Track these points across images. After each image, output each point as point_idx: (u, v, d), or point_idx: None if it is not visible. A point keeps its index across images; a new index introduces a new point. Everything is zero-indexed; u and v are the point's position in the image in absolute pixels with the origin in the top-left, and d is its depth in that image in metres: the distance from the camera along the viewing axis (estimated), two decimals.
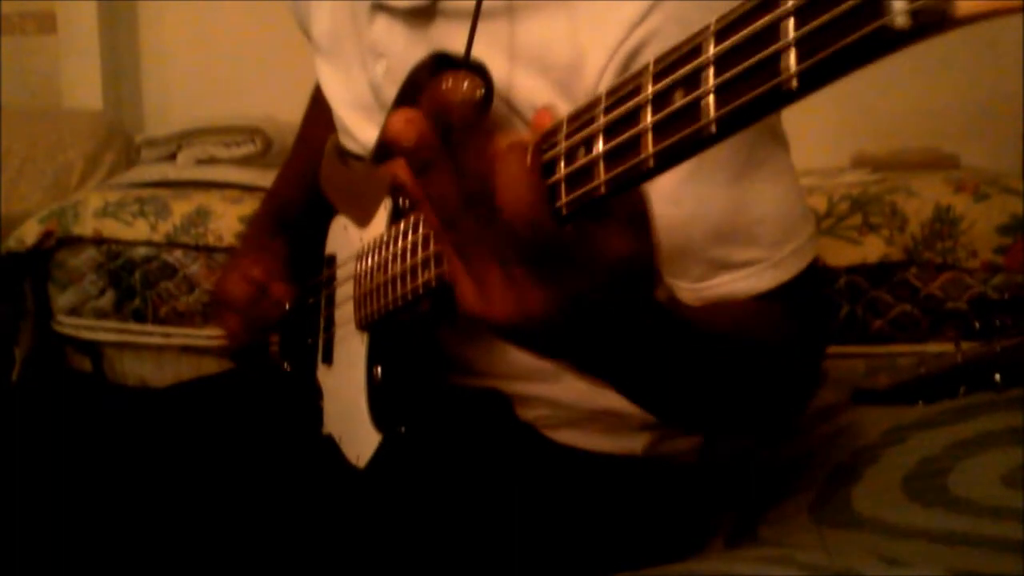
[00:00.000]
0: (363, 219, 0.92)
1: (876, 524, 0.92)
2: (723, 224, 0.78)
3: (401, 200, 0.86)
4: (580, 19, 0.78)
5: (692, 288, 0.80)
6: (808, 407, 0.92)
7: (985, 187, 1.67)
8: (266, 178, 1.98)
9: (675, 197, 0.69)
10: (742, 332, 0.76)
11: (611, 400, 0.91)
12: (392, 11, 0.92)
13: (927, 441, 1.05)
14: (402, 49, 0.91)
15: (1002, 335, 1.07)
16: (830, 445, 1.13)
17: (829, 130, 2.07)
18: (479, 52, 0.80)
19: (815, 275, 0.82)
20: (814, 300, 0.86)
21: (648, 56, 0.49)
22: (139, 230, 1.99)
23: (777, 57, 0.39)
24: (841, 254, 1.66)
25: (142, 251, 1.99)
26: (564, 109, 0.54)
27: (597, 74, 0.76)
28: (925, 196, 1.67)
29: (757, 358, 0.75)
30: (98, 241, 2.00)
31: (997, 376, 1.02)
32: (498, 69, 0.80)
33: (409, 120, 0.53)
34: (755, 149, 0.79)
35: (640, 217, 0.55)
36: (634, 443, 0.94)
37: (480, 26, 0.83)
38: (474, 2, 0.83)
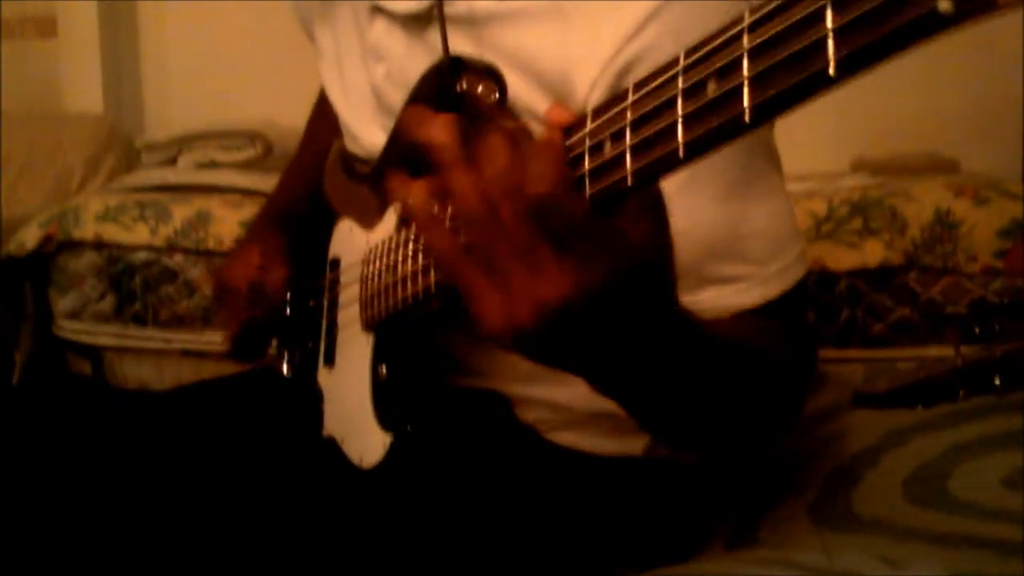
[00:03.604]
0: (369, 222, 0.92)
1: (876, 526, 0.92)
2: (712, 239, 0.79)
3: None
4: (572, 29, 0.78)
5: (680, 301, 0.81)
6: (791, 427, 0.92)
7: (985, 191, 1.67)
8: (267, 182, 1.98)
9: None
10: (735, 340, 0.76)
11: (611, 403, 0.91)
12: (391, 14, 0.92)
13: (927, 444, 1.05)
14: (402, 52, 0.91)
15: (1002, 339, 1.07)
16: (830, 448, 1.13)
17: (829, 134, 2.07)
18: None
19: (803, 293, 0.83)
20: (801, 318, 0.86)
21: (642, 71, 0.50)
22: (139, 234, 1.98)
23: (816, 46, 0.40)
24: (841, 258, 1.65)
25: (142, 255, 1.98)
26: None
27: (588, 85, 0.77)
28: (925, 200, 1.67)
29: (748, 372, 0.75)
30: (98, 245, 1.99)
31: (997, 380, 1.02)
32: None
33: (428, 118, 0.54)
34: (748, 167, 0.79)
35: (657, 207, 0.56)
36: (634, 445, 0.95)
37: (476, 32, 0.84)
38: (475, 3, 0.83)
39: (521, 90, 0.81)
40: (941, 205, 1.66)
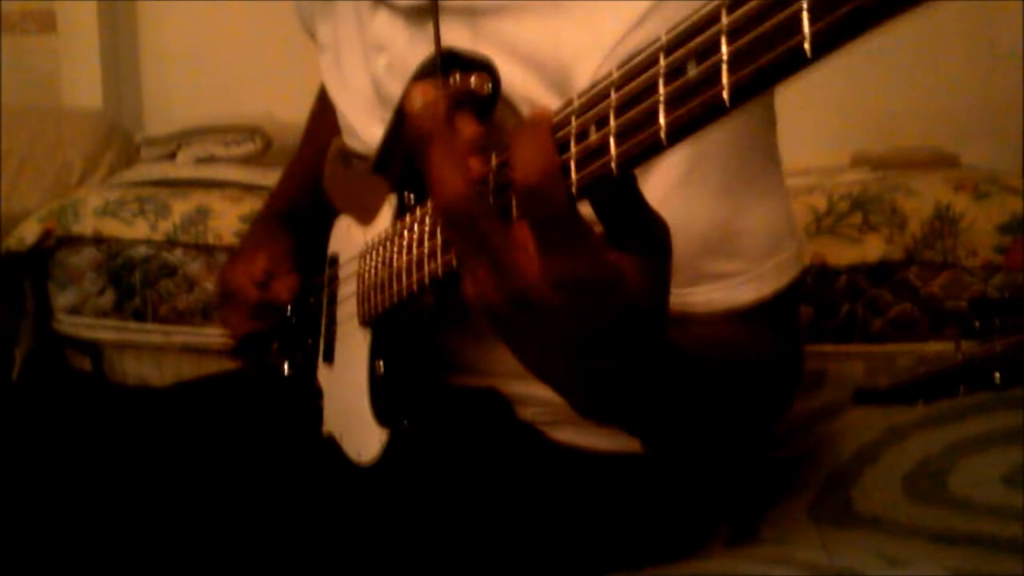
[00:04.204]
0: (367, 217, 0.92)
1: (876, 523, 0.92)
2: (708, 234, 0.78)
3: (406, 195, 0.86)
4: (570, 22, 0.78)
5: (674, 296, 0.80)
6: (784, 421, 0.92)
7: (985, 186, 1.66)
8: (266, 177, 1.98)
9: (663, 205, 0.70)
10: (723, 354, 0.76)
11: None
12: (393, 7, 0.92)
13: (927, 440, 1.05)
14: (404, 44, 0.91)
15: (1002, 335, 1.07)
16: (830, 444, 1.13)
17: (829, 129, 2.07)
18: (474, 48, 0.80)
19: (798, 292, 0.82)
20: (793, 318, 0.86)
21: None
22: (139, 229, 1.98)
23: (792, 22, 0.39)
24: (841, 253, 1.65)
25: (142, 250, 1.98)
26: (558, 107, 0.54)
27: (590, 76, 0.76)
28: (925, 195, 1.67)
29: (735, 383, 0.75)
30: (98, 240, 1.99)
31: (997, 375, 1.02)
32: None
33: (424, 91, 0.53)
34: (747, 163, 0.79)
35: (659, 252, 0.55)
36: (633, 442, 0.94)
37: (475, 23, 0.84)
38: (474, 1, 0.83)
39: (521, 82, 0.81)
40: (941, 200, 1.65)
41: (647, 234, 0.55)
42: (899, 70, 2.01)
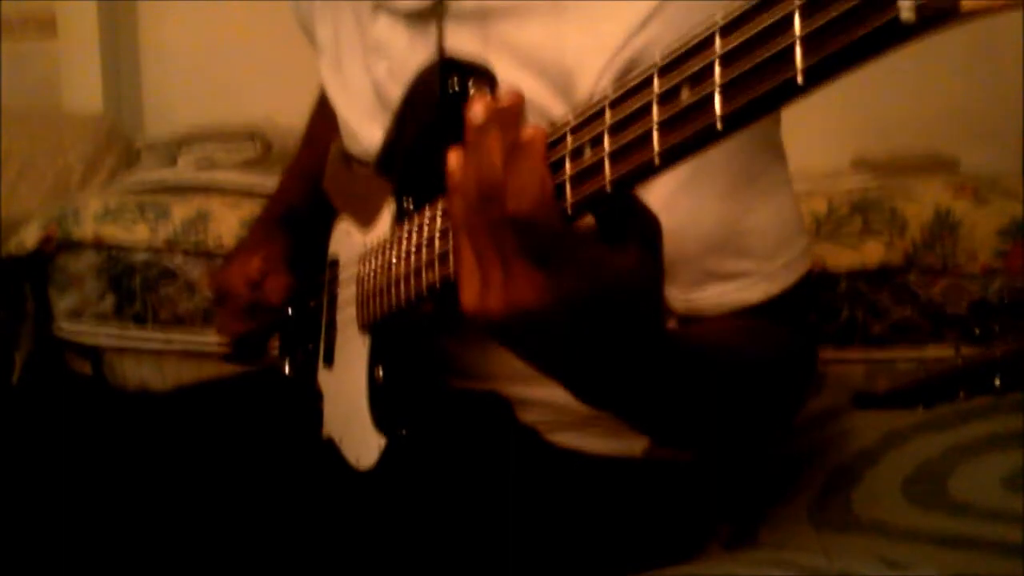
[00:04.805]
0: (366, 221, 0.92)
1: (876, 527, 0.92)
2: (716, 234, 0.78)
3: (405, 202, 0.86)
4: (572, 25, 0.78)
5: (683, 297, 0.80)
6: (796, 419, 0.92)
7: (985, 190, 1.66)
8: (266, 181, 1.98)
9: (669, 205, 0.70)
10: (734, 349, 0.76)
11: None
12: (394, 11, 0.92)
13: (927, 444, 1.05)
14: (404, 49, 0.91)
15: (1002, 339, 1.07)
16: (830, 448, 1.13)
17: (829, 133, 2.07)
18: (478, 53, 0.80)
19: (807, 289, 0.82)
20: (804, 314, 0.86)
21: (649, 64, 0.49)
22: (139, 233, 1.98)
23: (784, 52, 0.39)
24: (841, 258, 1.65)
25: (142, 255, 1.98)
26: (562, 110, 0.54)
27: (594, 79, 0.76)
28: (925, 199, 1.67)
29: (749, 377, 0.75)
30: (98, 245, 1.99)
31: (997, 380, 1.02)
32: (497, 69, 0.80)
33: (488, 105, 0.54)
34: (752, 162, 0.79)
35: (652, 240, 0.56)
36: (633, 445, 0.94)
37: (478, 28, 0.84)
38: (475, 3, 0.83)
39: (526, 86, 0.81)
40: (941, 205, 1.65)
41: (638, 226, 0.55)
42: (899, 74, 2.00)
